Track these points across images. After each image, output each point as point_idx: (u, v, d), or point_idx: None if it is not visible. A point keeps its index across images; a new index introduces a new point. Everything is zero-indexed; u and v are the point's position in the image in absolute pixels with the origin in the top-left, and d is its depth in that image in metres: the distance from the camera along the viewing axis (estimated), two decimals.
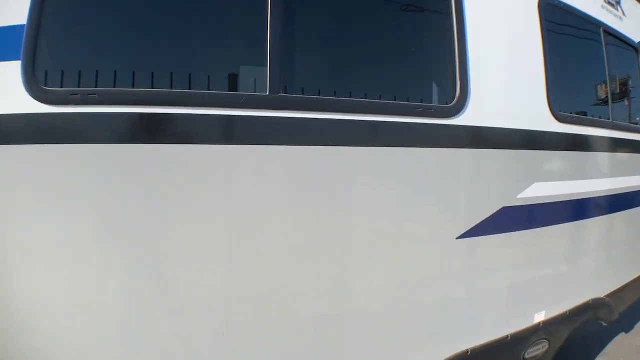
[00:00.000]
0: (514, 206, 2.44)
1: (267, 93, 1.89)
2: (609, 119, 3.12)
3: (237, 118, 1.85)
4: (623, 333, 4.02)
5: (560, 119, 2.66)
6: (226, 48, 2.02)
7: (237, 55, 2.02)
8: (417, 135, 2.14)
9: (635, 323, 4.19)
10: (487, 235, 2.36)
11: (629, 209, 3.28)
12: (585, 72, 3.14)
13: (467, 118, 2.26)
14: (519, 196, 2.46)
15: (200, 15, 1.95)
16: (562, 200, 2.68)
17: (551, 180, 2.62)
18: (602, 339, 3.91)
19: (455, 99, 2.24)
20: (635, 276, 3.52)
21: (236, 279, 1.84)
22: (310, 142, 1.95)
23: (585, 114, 3.08)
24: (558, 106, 2.68)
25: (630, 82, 3.44)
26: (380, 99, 2.11)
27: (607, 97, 3.09)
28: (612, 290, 3.25)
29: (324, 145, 1.96)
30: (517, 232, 2.47)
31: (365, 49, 2.17)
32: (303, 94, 1.99)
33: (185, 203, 1.76)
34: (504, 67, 2.43)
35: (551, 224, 2.64)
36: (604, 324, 3.20)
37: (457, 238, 2.26)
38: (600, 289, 3.16)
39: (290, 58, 2.02)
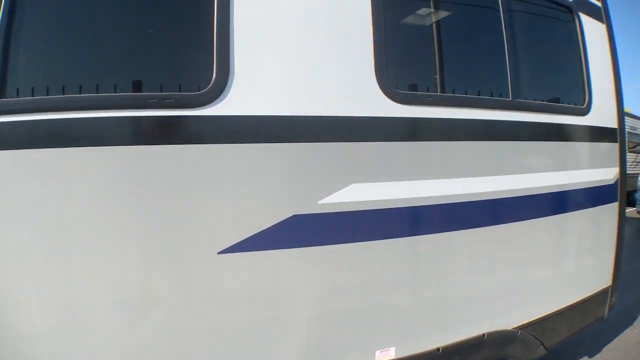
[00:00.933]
0: (312, 214, 1.91)
1: None
2: (508, 97, 2.36)
3: None
4: (586, 357, 3.07)
5: (400, 99, 2.05)
6: None
7: None
8: (150, 132, 1.74)
9: (601, 346, 3.22)
10: (270, 250, 1.86)
11: (540, 217, 2.46)
12: (473, 38, 2.41)
13: (229, 106, 1.80)
14: (322, 201, 1.91)
15: None
16: (405, 205, 2.04)
17: (383, 181, 2.01)
18: None
19: (211, 83, 1.80)
20: (571, 303, 2.64)
21: None
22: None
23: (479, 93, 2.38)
24: (400, 84, 2.07)
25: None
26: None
27: (509, 71, 2.33)
28: (529, 320, 2.47)
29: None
30: (322, 247, 1.92)
31: (93, 33, 1.84)
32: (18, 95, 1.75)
33: None
34: (297, 34, 1.90)
35: (387, 237, 2.02)
36: None
37: (219, 253, 1.82)
38: (506, 320, 2.42)
39: None
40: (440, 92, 2.18)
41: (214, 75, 1.79)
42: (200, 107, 1.77)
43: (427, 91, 2.18)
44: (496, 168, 2.33)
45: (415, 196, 2.07)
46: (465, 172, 2.23)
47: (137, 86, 1.80)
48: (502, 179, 2.34)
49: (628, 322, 3.82)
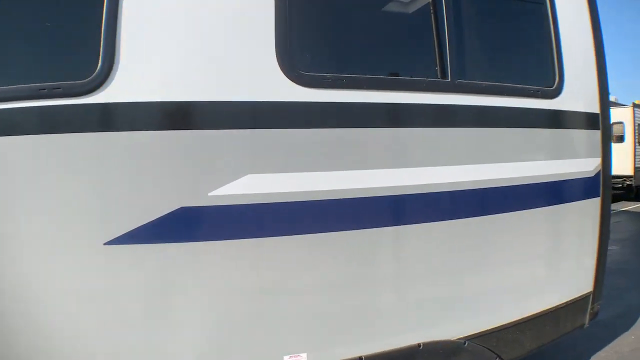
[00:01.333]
0: (202, 207, 1.79)
1: None
2: (447, 77, 2.10)
3: None
4: None
5: (305, 83, 1.88)
6: None
7: None
8: (41, 122, 1.70)
9: (592, 352, 2.82)
10: (158, 244, 1.77)
11: (493, 214, 2.14)
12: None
13: (114, 94, 1.74)
14: (212, 193, 1.80)
15: None
16: (312, 199, 1.86)
17: (285, 172, 1.85)
18: None
19: (96, 71, 1.76)
20: (538, 310, 2.28)
21: None
22: None
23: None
24: (307, 65, 1.91)
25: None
26: None
27: (448, 48, 2.07)
28: (481, 330, 2.16)
29: None
30: (215, 242, 1.80)
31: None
32: None
33: None
34: (189, 15, 1.80)
35: (291, 233, 1.86)
36: None
37: (105, 244, 1.76)
38: (451, 329, 2.13)
39: None
40: (358, 74, 1.99)
41: (99, 63, 1.76)
42: (85, 96, 1.73)
43: (346, 73, 2.00)
44: (433, 158, 2.08)
45: (324, 189, 1.89)
46: (390, 163, 2.01)
47: (29, 77, 1.82)
48: (439, 170, 2.09)
49: (625, 327, 3.38)
